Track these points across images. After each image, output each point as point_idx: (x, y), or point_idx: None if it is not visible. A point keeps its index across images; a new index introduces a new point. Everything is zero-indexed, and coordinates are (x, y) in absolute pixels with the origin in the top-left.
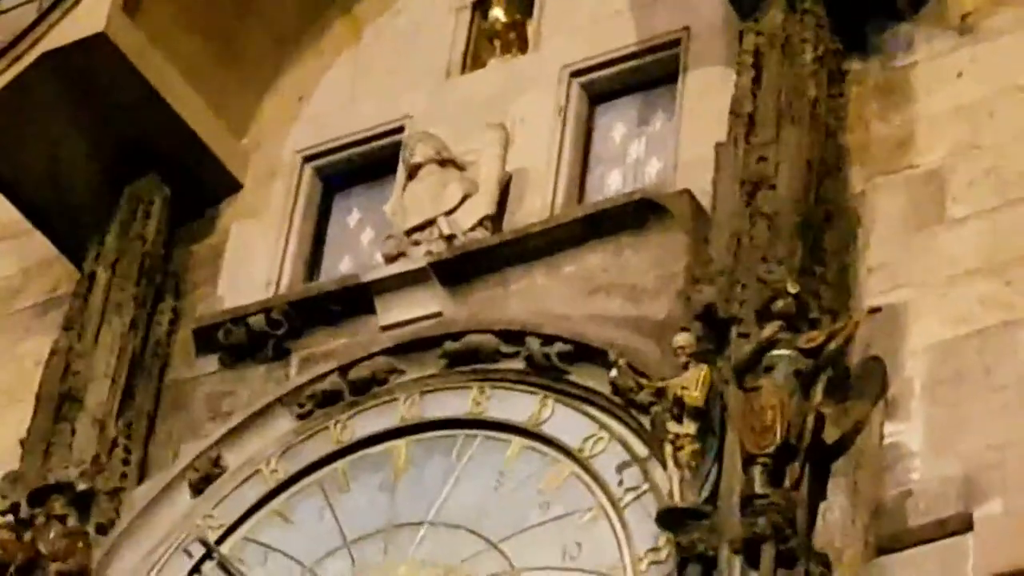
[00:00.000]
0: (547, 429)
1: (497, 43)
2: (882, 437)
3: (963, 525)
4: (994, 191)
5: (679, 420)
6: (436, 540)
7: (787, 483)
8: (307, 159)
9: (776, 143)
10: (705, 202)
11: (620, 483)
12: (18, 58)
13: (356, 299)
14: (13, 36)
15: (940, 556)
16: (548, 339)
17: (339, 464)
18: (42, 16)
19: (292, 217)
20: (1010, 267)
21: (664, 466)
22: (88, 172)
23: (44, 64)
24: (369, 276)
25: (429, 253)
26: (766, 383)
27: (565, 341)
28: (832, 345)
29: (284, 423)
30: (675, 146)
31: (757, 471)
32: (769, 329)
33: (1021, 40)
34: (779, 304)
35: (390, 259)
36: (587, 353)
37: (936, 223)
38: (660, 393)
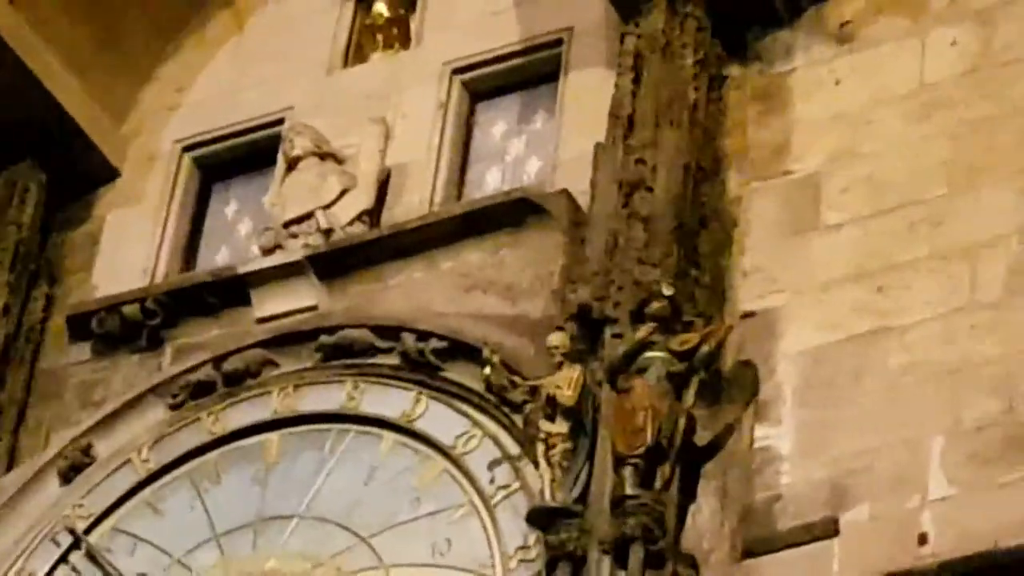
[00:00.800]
0: (420, 425)
1: (380, 37)
2: (752, 441)
3: (830, 530)
4: (869, 199)
5: (552, 419)
6: (306, 533)
7: (657, 484)
8: (186, 148)
9: (654, 145)
10: (583, 202)
11: (492, 481)
12: None
13: (232, 290)
14: None
15: (807, 560)
16: (423, 335)
17: (211, 456)
18: None
19: (170, 206)
20: (882, 274)
21: (536, 465)
22: None
23: None
24: (245, 268)
25: (306, 246)
26: (638, 384)
27: (440, 338)
28: (705, 348)
29: (156, 413)
30: (555, 146)
31: (628, 472)
32: (643, 331)
33: (899, 49)
34: (653, 306)
35: (267, 251)
36: (462, 350)
37: (811, 229)
38: (533, 392)
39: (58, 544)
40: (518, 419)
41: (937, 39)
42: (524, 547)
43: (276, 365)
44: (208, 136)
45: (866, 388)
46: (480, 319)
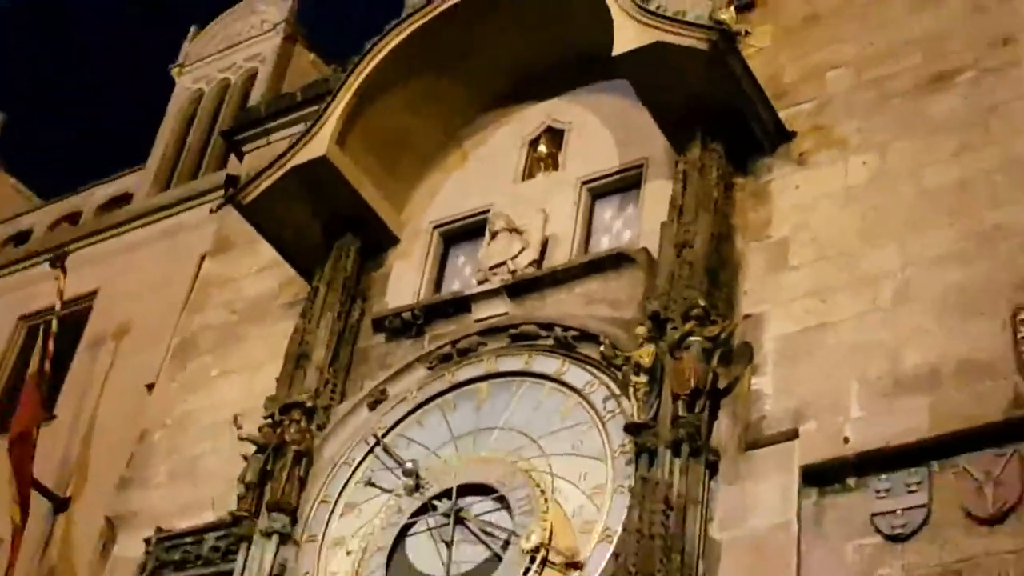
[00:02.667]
0: (566, 378)
1: (542, 164)
2: (750, 386)
3: (793, 435)
4: (815, 253)
5: (638, 374)
6: (502, 437)
7: (697, 410)
8: (436, 227)
9: (695, 222)
10: (656, 254)
11: (606, 408)
12: (280, 168)
13: (461, 305)
14: (275, 157)
15: (780, 452)
16: (566, 328)
17: (450, 395)
18: (291, 146)
19: (427, 259)
20: (824, 294)
21: (629, 400)
22: (315, 231)
23: (291, 173)
24: (468, 292)
25: (502, 280)
26: (686, 355)
27: (576, 330)
28: (723, 335)
29: (420, 372)
30: (639, 223)
31: (680, 403)
32: (688, 326)
33: (832, 167)
34: (695, 312)
35: (480, 283)
36: (588, 337)
37: (782, 269)
38: (628, 360)
39: (367, 443)
40: (619, 375)
41: (855, 162)
42: (623, 445)
43: (485, 345)
44: (449, 220)
45: (814, 357)
46: (598, 320)
